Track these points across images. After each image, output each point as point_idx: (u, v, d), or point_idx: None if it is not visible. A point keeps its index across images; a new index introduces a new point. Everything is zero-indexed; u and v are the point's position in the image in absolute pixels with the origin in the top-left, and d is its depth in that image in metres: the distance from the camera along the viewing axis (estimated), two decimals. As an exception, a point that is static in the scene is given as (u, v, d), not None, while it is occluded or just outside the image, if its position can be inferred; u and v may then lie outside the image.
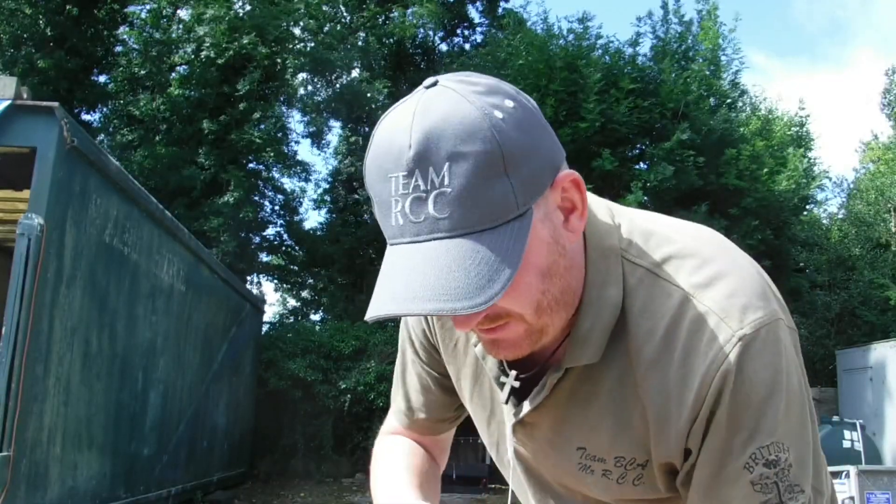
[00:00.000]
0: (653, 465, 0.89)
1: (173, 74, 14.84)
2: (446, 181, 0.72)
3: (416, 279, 0.72)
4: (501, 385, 0.96)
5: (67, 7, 13.11)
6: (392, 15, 17.62)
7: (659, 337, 0.84)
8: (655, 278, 0.86)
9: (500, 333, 0.82)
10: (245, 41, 13.53)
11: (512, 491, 1.11)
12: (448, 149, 0.72)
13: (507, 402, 0.96)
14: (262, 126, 13.76)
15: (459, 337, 1.04)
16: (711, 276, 0.85)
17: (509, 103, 0.76)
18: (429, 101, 0.75)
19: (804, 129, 19.15)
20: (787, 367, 0.83)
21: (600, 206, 0.93)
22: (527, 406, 0.93)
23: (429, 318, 1.09)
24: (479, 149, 0.72)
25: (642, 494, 0.92)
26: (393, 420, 1.24)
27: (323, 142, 17.40)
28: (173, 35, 15.07)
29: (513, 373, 0.94)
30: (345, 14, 17.87)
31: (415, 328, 1.12)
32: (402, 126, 0.75)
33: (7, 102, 4.51)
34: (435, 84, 0.77)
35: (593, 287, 0.86)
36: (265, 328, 13.42)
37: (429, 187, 0.72)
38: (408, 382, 1.17)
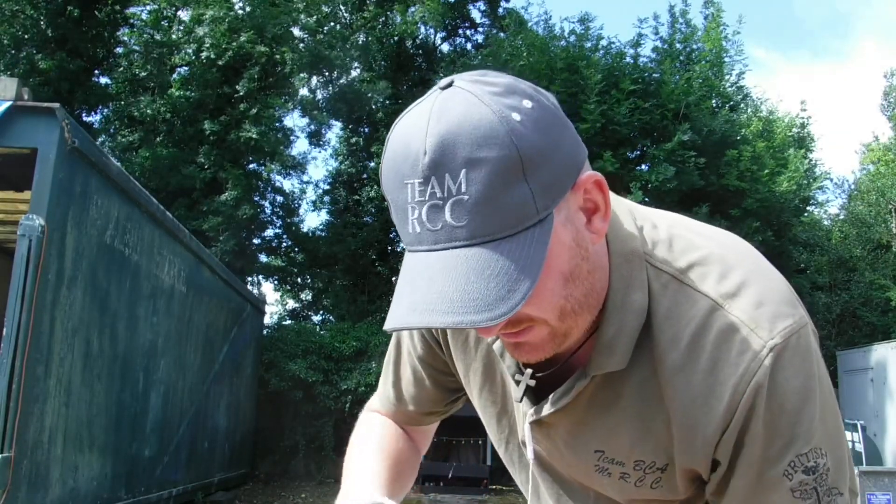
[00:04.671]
0: (675, 469, 0.88)
1: (174, 76, 14.85)
2: (463, 188, 0.70)
3: (434, 290, 0.71)
4: (518, 382, 0.95)
5: (69, 8, 13.12)
6: (392, 14, 17.61)
7: (684, 344, 0.83)
8: (680, 284, 0.85)
9: (523, 337, 0.81)
10: (243, 39, 13.54)
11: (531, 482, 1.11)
12: (464, 155, 0.69)
13: (520, 401, 0.96)
14: (262, 127, 13.76)
15: (470, 331, 1.03)
16: (738, 285, 0.84)
17: (527, 103, 0.73)
18: (444, 103, 0.73)
19: (805, 130, 19.16)
20: (817, 372, 0.82)
21: (622, 209, 0.91)
22: (548, 407, 0.92)
23: None
24: (496, 154, 0.69)
25: (659, 496, 0.92)
26: (377, 402, 1.23)
27: (323, 141, 17.41)
28: (174, 36, 15.08)
29: (528, 371, 0.93)
30: (344, 14, 17.88)
31: None
32: (417, 131, 0.72)
33: (8, 103, 4.51)
34: (450, 85, 0.75)
35: (617, 292, 0.85)
36: (266, 329, 13.43)
37: (445, 195, 0.70)
38: (401, 374, 1.17)
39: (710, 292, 0.84)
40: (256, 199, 15.04)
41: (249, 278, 15.62)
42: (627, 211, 0.92)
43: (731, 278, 0.84)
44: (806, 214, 17.37)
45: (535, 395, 0.95)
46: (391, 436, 1.18)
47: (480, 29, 18.52)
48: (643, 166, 13.62)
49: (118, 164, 6.42)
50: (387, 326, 0.73)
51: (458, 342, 1.05)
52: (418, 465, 1.22)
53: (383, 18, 17.59)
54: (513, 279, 0.70)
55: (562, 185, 0.75)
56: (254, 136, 13.41)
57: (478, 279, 0.70)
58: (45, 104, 4.65)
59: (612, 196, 0.92)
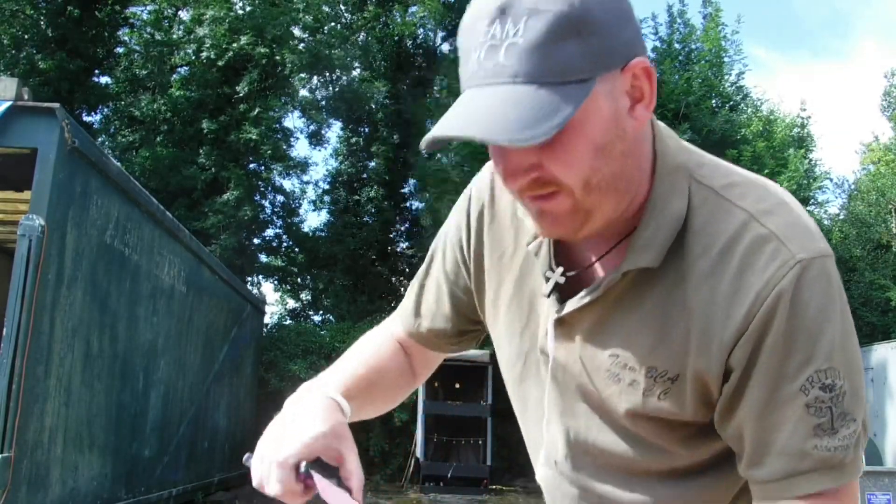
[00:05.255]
0: (685, 382, 0.89)
1: (174, 75, 14.86)
2: (520, 33, 0.76)
3: (472, 113, 0.77)
4: (547, 279, 0.97)
5: (69, 8, 13.13)
6: (392, 14, 17.61)
7: (716, 252, 0.86)
8: (720, 199, 0.88)
9: (547, 204, 0.84)
10: (243, 41, 13.56)
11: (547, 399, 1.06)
12: (530, 4, 0.76)
13: (548, 296, 0.97)
14: (262, 127, 13.77)
15: (508, 247, 1.05)
16: (775, 204, 0.88)
17: None
18: None
19: (805, 130, 19.18)
20: (840, 300, 0.84)
21: (673, 136, 0.96)
22: (574, 302, 0.94)
23: (470, 227, 1.09)
24: (558, 9, 0.75)
25: (662, 410, 0.92)
26: (395, 317, 1.25)
27: (322, 140, 17.41)
28: (174, 36, 15.09)
29: (559, 269, 0.96)
30: (345, 14, 17.88)
31: (452, 236, 1.13)
32: None
33: (8, 103, 4.51)
34: None
35: (658, 197, 0.89)
36: (266, 329, 13.43)
37: (503, 37, 0.76)
38: (426, 287, 1.19)
39: (747, 207, 0.87)
40: (257, 199, 15.06)
41: (249, 278, 15.62)
42: (678, 139, 0.96)
43: (769, 199, 0.88)
44: (806, 214, 17.35)
45: (562, 297, 0.97)
46: (387, 350, 1.20)
47: (480, 29, 18.49)
48: (643, 166, 13.63)
49: (118, 164, 6.43)
50: (422, 143, 0.79)
51: (494, 257, 1.07)
52: (408, 389, 1.25)
53: (384, 18, 17.59)
54: (546, 113, 0.75)
55: (611, 58, 0.79)
56: (253, 136, 13.42)
57: (514, 108, 0.75)
58: (45, 104, 4.65)
59: (666, 128, 0.96)
